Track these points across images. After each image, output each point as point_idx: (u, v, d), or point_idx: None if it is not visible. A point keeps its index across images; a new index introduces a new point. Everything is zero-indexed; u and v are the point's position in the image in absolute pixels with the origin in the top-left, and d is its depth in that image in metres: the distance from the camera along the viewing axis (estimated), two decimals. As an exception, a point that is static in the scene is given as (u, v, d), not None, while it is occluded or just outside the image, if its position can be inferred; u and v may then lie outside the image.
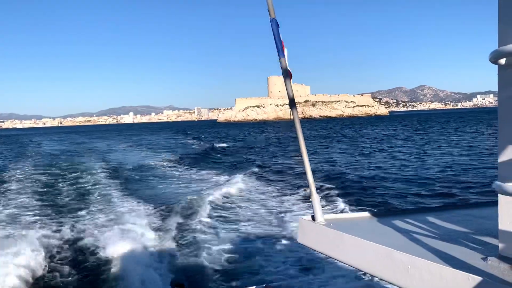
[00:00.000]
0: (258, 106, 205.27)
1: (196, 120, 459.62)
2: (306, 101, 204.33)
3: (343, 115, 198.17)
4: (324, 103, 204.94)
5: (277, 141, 54.26)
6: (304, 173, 3.11)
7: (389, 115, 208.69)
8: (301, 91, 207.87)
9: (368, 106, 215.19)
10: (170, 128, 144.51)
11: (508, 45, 1.52)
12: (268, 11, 3.19)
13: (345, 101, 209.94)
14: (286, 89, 3.17)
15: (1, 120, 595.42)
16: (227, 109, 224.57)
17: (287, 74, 3.18)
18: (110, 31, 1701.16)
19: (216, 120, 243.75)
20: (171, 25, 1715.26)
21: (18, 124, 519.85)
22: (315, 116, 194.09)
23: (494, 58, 1.64)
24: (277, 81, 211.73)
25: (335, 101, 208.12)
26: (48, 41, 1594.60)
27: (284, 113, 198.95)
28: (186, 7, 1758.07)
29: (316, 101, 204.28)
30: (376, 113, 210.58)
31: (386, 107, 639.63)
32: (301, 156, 3.12)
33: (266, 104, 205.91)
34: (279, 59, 3.20)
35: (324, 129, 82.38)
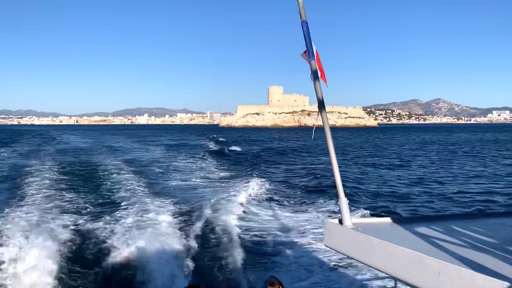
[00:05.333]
0: (258, 113, 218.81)
1: (206, 124, 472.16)
2: (302, 111, 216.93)
3: (335, 125, 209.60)
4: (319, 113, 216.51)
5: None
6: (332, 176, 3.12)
7: (378, 127, 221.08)
8: (299, 101, 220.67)
9: (359, 117, 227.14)
10: (169, 130, 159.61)
11: None
12: (299, 13, 3.20)
13: (338, 112, 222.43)
14: (316, 92, 3.20)
15: (20, 116, 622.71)
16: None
17: (316, 77, 3.18)
18: (128, 32, 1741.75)
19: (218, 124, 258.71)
20: (190, 29, 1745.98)
21: (36, 121, 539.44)
22: (310, 124, 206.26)
23: None
24: (277, 91, 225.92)
25: (329, 112, 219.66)
26: (67, 41, 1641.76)
27: (281, 121, 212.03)
28: (204, 13, 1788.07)
29: (312, 111, 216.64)
30: (366, 125, 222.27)
31: (398, 120, 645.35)
32: (330, 160, 3.15)
33: (265, 112, 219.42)
34: (309, 61, 3.20)
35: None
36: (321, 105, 3.16)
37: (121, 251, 9.39)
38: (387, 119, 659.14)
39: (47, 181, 20.03)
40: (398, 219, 3.10)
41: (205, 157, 35.05)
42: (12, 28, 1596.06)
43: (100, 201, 15.73)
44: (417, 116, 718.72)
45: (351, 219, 2.89)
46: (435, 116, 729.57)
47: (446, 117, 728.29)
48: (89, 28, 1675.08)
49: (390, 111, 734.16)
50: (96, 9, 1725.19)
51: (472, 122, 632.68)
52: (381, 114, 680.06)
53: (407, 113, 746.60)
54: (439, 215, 5.44)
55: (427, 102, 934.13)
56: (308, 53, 3.15)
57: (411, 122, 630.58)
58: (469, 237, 2.50)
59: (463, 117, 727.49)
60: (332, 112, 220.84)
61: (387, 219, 3.12)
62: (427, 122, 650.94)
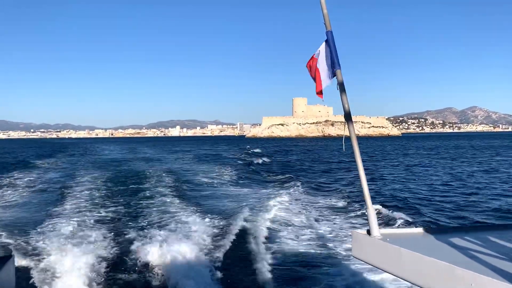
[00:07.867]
0: (282, 124, 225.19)
1: (236, 135, 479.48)
2: (326, 121, 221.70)
3: (358, 134, 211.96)
4: (343, 123, 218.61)
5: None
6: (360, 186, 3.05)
7: (401, 136, 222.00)
8: (323, 112, 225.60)
9: (382, 127, 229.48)
10: (193, 142, 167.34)
11: None
12: (324, 24, 3.21)
13: (362, 122, 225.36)
14: (342, 102, 3.13)
15: (58, 130, 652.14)
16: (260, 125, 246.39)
17: (343, 88, 3.13)
18: (159, 51, 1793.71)
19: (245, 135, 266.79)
20: (220, 44, 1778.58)
21: (73, 134, 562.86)
22: (333, 134, 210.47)
23: None
24: (301, 102, 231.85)
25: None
26: (102, 58, 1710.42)
27: (306, 131, 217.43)
28: (233, 27, 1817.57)
29: (335, 121, 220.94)
30: (389, 134, 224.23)
31: (431, 128, 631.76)
32: (357, 169, 3.07)
33: (290, 122, 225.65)
34: (335, 71, 3.14)
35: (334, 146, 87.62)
36: (348, 116, 3.20)
37: (152, 259, 9.57)
38: (420, 128, 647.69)
39: (85, 190, 20.84)
40: (427, 229, 3.02)
41: (234, 168, 34.73)
42: (49, 47, 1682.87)
43: (136, 209, 16.04)
44: (451, 125, 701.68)
45: (379, 229, 2.83)
46: (469, 125, 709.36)
47: (482, 125, 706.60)
48: (122, 45, 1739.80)
49: (423, 120, 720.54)
50: (129, 30, 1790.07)
51: (510, 130, 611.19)
52: (413, 123, 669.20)
53: (441, 122, 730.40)
54: (470, 226, 5.59)
55: (463, 110, 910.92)
56: (334, 64, 3.13)
57: (444, 131, 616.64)
58: (503, 248, 2.44)
59: (500, 125, 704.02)
60: (356, 122, 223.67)
61: (416, 230, 3.04)
62: (461, 130, 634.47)
